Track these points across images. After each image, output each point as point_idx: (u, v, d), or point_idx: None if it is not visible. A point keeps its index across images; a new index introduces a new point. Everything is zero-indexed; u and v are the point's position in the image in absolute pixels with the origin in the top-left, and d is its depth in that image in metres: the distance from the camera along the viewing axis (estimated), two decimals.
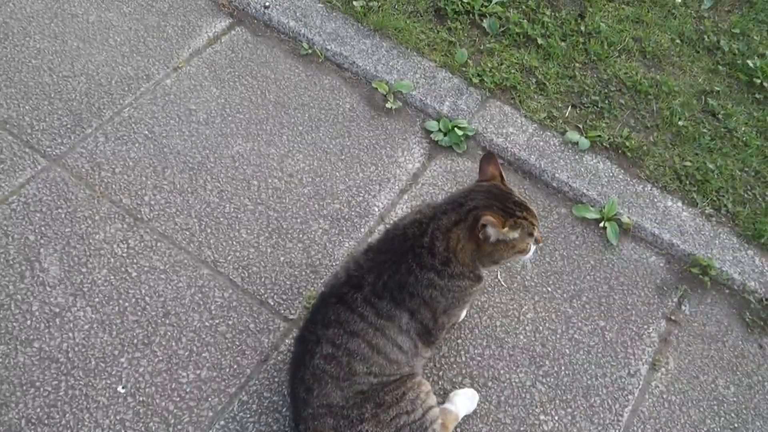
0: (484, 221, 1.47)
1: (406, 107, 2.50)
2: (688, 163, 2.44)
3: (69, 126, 2.23)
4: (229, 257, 2.01)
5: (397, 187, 2.28)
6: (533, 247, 1.63)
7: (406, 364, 1.61)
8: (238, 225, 2.09)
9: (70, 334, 1.80)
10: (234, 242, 2.05)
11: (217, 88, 2.43)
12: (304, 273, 2.01)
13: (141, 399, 1.73)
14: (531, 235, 1.57)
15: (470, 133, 2.42)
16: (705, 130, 2.54)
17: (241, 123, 2.35)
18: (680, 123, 2.55)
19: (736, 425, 1.91)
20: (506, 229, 1.50)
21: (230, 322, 1.88)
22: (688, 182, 2.40)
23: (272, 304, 1.94)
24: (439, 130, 2.42)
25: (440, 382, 1.87)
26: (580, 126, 2.51)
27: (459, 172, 2.35)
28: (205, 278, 1.96)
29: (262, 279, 1.98)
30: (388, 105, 2.46)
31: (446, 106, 2.48)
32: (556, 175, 2.36)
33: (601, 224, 2.27)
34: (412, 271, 1.54)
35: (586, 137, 2.46)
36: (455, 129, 2.40)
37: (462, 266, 1.56)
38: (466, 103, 2.50)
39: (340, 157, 2.31)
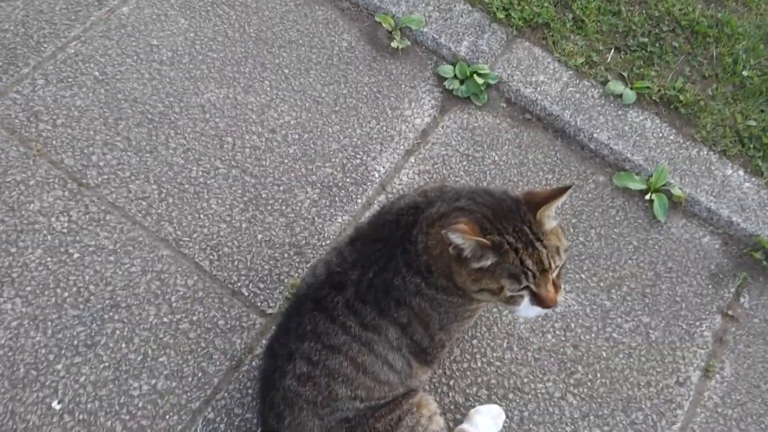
0: (449, 229, 1.06)
1: (416, 47, 2.07)
2: (752, 123, 2.03)
3: (0, 64, 1.81)
4: (195, 234, 1.64)
5: (402, 146, 1.88)
6: (525, 303, 1.14)
7: (399, 385, 1.32)
8: (207, 193, 1.70)
9: None
10: (201, 215, 1.67)
11: (185, 19, 1.99)
12: (286, 255, 1.65)
13: (81, 417, 1.40)
14: (515, 278, 1.10)
15: (492, 81, 2.00)
16: None
17: (214, 64, 1.93)
18: (744, 73, 2.12)
19: None
20: (474, 243, 1.06)
21: (195, 318, 1.53)
22: (751, 146, 2.00)
23: (246, 294, 1.58)
24: (455, 76, 2.00)
25: (451, 394, 1.54)
26: (625, 74, 2.08)
27: (477, 129, 1.94)
28: (164, 261, 1.59)
29: (235, 263, 1.62)
30: (394, 44, 2.03)
31: (464, 47, 2.05)
32: (595, 135, 1.95)
33: (647, 196, 1.89)
34: (399, 271, 1.20)
35: (631, 88, 2.04)
36: (474, 76, 1.98)
37: (444, 278, 1.17)
38: (488, 44, 2.07)
39: (333, 109, 1.90)
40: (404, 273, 1.20)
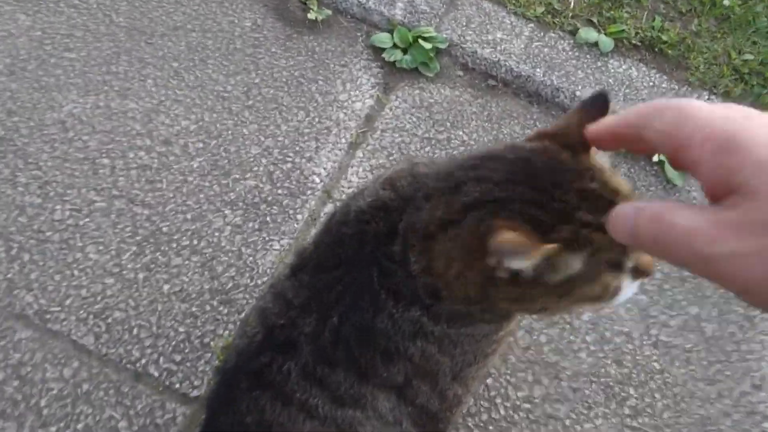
0: (495, 246, 0.60)
1: (338, 16, 1.64)
2: (748, 57, 1.71)
3: None
4: (69, 301, 1.12)
5: (343, 140, 1.43)
6: (627, 284, 0.70)
7: None
8: (81, 239, 1.19)
9: None
10: (75, 272, 1.15)
11: (26, 14, 1.49)
12: (208, 307, 1.15)
13: None
14: (617, 266, 0.66)
15: (442, 46, 1.59)
16: (760, 9, 1.82)
17: (74, 66, 1.42)
18: (725, 3, 1.81)
19: None
20: (542, 253, 0.59)
21: (80, 427, 1.01)
22: (755, 82, 1.68)
23: (157, 374, 1.07)
24: (395, 45, 1.58)
25: None
26: (594, 20, 1.72)
27: (435, 105, 1.52)
28: (23, 348, 1.06)
29: (134, 331, 1.11)
30: (311, 15, 1.59)
31: (399, 9, 1.63)
32: (577, 93, 1.58)
33: (655, 158, 1.52)
34: (382, 306, 0.71)
35: (606, 34, 1.68)
36: (419, 41, 1.56)
37: (466, 303, 0.71)
38: (428, 2, 1.66)
39: (245, 104, 1.44)
40: (390, 308, 0.73)
